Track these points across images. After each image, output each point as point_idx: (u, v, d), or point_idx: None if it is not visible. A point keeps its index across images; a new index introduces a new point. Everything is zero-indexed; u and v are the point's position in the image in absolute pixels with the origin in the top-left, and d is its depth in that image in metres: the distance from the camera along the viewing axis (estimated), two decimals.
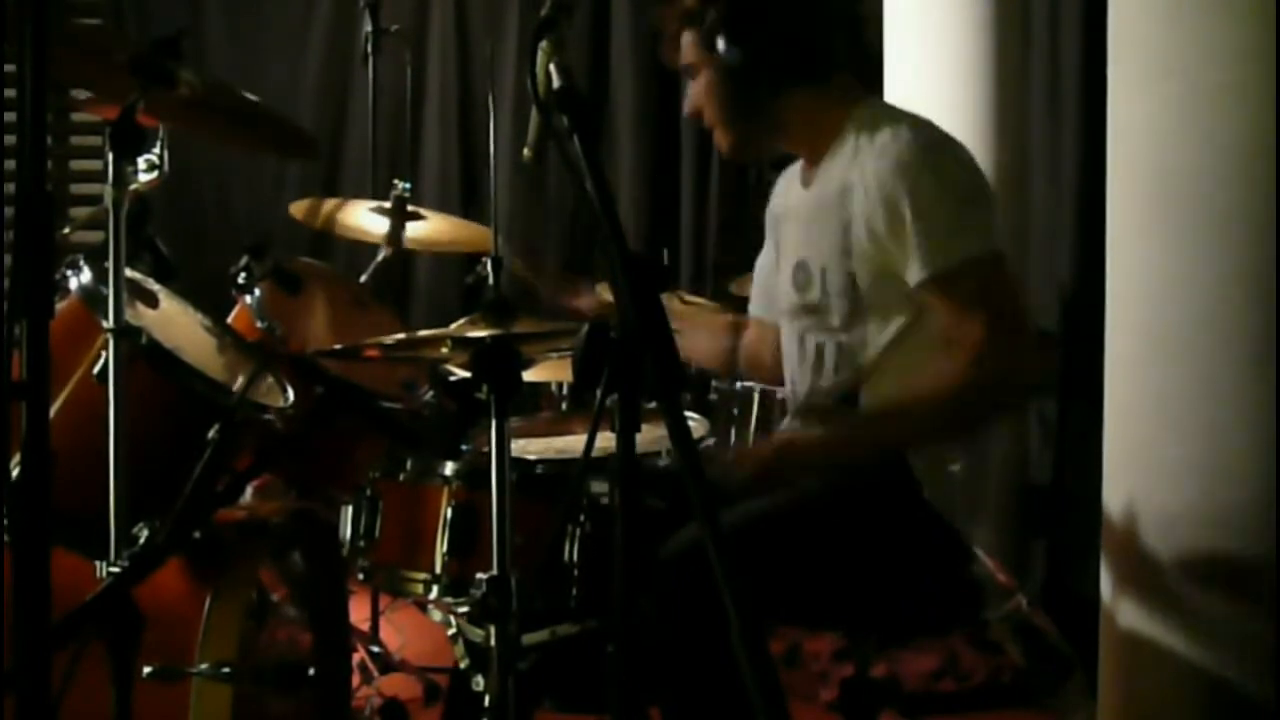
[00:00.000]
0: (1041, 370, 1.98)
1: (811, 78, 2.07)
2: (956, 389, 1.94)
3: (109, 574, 1.80)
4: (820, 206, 2.09)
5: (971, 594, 2.21)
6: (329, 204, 3.68)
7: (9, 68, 1.23)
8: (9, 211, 1.25)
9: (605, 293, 2.53)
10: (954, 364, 1.94)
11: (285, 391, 2.24)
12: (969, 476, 2.15)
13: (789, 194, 2.25)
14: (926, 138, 2.01)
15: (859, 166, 2.01)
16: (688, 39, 2.09)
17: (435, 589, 2.20)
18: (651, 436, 1.89)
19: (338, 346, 2.16)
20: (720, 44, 2.02)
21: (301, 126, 2.41)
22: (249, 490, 2.78)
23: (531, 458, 2.38)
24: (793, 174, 2.26)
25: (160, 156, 2.06)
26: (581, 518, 2.14)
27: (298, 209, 3.53)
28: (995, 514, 3.56)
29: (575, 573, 2.12)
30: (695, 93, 2.13)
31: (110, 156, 1.84)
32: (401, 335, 2.28)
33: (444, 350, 2.04)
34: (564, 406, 3.61)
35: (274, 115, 2.39)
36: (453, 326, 1.95)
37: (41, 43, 1.23)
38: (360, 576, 2.35)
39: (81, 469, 1.80)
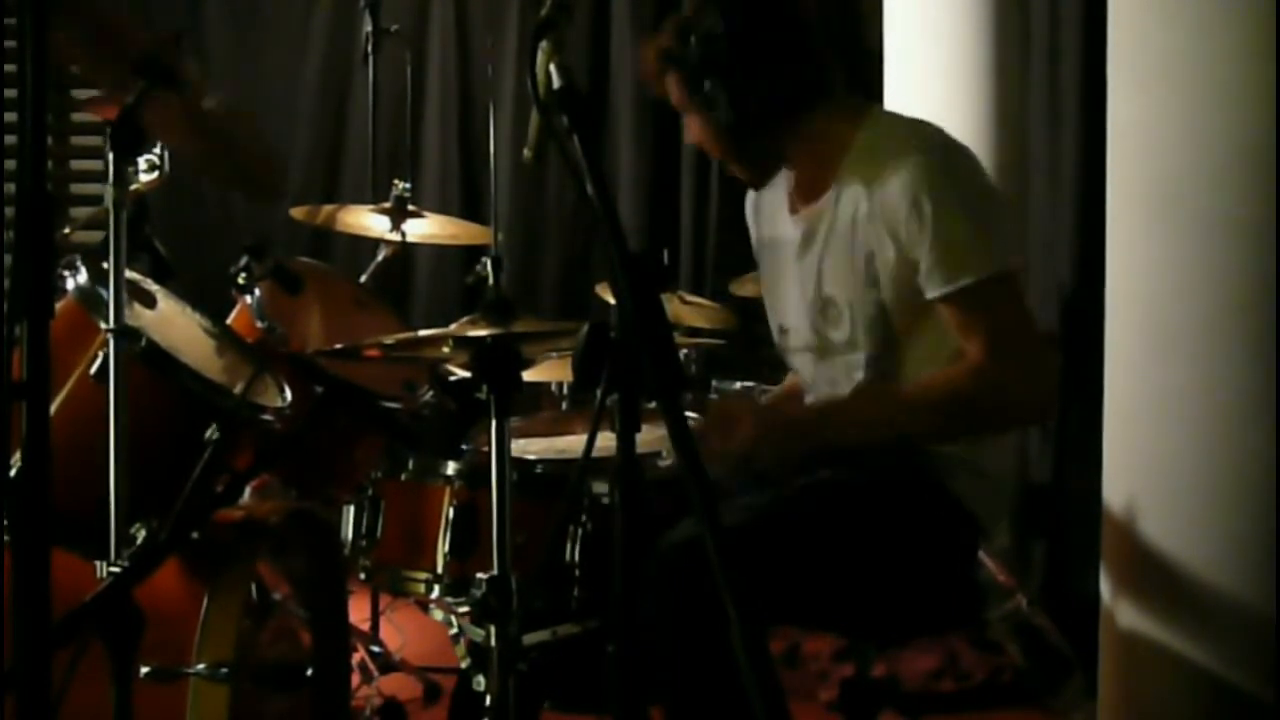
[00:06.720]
0: (1051, 384, 1.95)
1: (808, 106, 2.00)
2: (952, 393, 1.94)
3: (109, 574, 1.79)
4: (836, 236, 2.01)
5: (971, 594, 2.21)
6: (327, 208, 3.69)
7: (9, 68, 1.23)
8: (9, 211, 1.25)
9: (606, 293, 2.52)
10: (956, 372, 1.94)
11: (284, 391, 2.24)
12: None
13: (777, 222, 2.16)
14: (940, 153, 1.97)
15: (874, 190, 1.94)
16: (673, 80, 2.00)
17: (436, 589, 2.21)
18: (651, 436, 1.89)
19: (338, 346, 2.15)
20: (707, 86, 1.95)
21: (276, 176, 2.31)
22: (248, 490, 2.78)
23: (531, 458, 2.38)
24: (773, 200, 2.17)
25: (160, 156, 2.06)
26: (582, 518, 2.14)
27: (299, 211, 3.54)
28: None
29: (576, 573, 2.12)
30: (693, 130, 2.06)
31: (110, 156, 1.84)
32: (402, 335, 2.28)
33: (444, 350, 2.04)
34: (564, 406, 3.62)
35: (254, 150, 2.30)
36: (453, 326, 1.95)
37: (41, 43, 1.23)
38: (361, 576, 2.36)
39: (80, 469, 1.80)
